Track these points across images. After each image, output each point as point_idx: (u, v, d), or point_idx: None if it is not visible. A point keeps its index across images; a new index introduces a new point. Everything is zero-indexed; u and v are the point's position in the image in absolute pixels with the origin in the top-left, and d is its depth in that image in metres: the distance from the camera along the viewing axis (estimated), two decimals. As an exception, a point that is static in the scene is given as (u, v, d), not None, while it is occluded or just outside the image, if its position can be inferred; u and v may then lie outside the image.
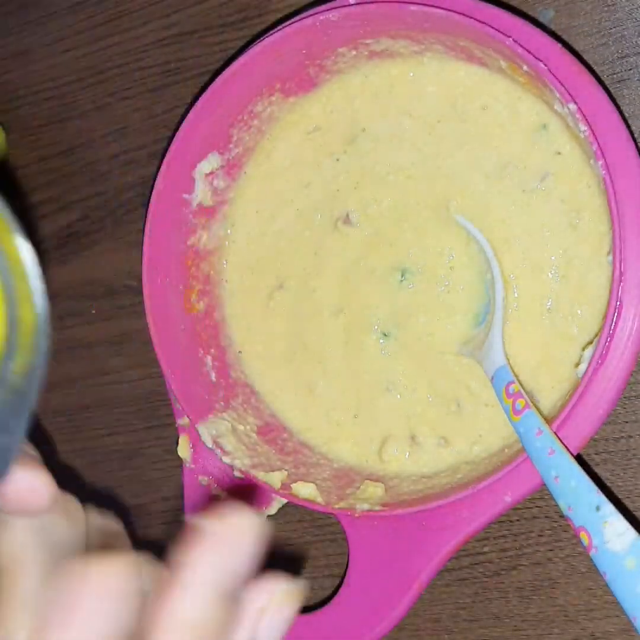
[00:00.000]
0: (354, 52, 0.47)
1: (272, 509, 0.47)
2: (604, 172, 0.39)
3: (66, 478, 0.30)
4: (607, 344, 0.40)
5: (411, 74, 0.47)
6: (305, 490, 0.45)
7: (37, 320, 0.21)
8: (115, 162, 0.56)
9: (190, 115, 0.47)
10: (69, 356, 0.57)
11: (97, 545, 0.28)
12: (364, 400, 0.48)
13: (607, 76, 0.45)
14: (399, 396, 0.47)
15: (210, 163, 0.48)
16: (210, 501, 0.48)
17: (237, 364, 0.50)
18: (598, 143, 0.40)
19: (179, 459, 0.49)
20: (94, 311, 0.56)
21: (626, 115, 0.44)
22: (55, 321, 0.57)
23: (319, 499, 0.45)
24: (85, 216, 0.57)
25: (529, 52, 0.41)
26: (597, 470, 0.45)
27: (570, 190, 0.44)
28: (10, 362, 0.22)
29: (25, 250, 0.21)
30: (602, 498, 0.36)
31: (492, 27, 0.41)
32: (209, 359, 0.49)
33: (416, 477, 0.46)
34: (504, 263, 0.45)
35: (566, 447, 0.39)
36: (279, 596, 0.26)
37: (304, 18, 0.45)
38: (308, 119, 0.49)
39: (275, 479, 0.46)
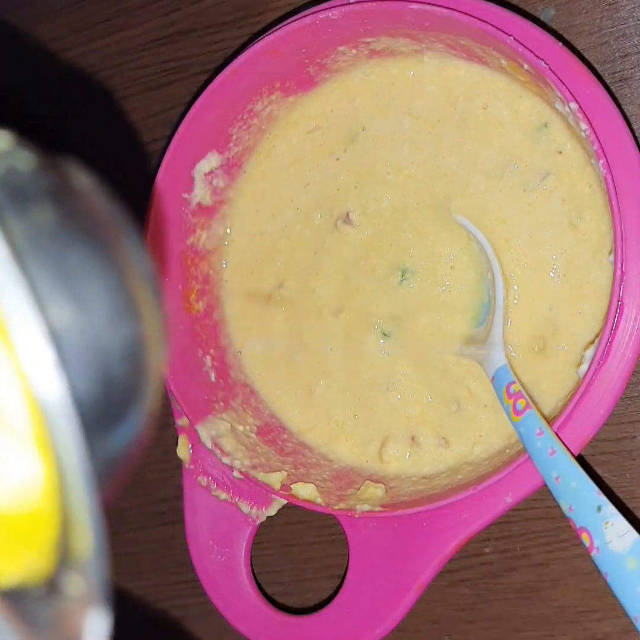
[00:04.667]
0: (354, 51, 0.47)
1: (272, 510, 0.47)
2: (605, 171, 0.39)
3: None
4: (608, 344, 0.39)
5: (411, 73, 0.47)
6: (305, 491, 0.45)
7: (90, 544, 0.16)
8: (114, 162, 0.56)
9: (190, 114, 0.47)
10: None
11: None
12: (364, 401, 0.48)
13: (608, 75, 0.45)
14: (399, 396, 0.47)
15: (210, 162, 0.48)
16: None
17: (237, 364, 0.50)
18: (599, 142, 0.40)
19: (178, 459, 0.49)
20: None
21: (627, 114, 0.44)
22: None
23: (319, 500, 0.45)
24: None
25: (530, 50, 0.41)
26: (598, 470, 0.45)
27: (571, 189, 0.44)
28: (67, 574, 0.17)
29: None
30: (603, 498, 0.36)
31: (493, 26, 0.41)
32: (208, 359, 0.49)
33: (416, 478, 0.46)
34: (504, 263, 0.45)
35: (567, 447, 0.39)
36: None
37: (304, 17, 0.45)
38: (308, 118, 0.49)
39: (274, 479, 0.46)
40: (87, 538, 0.15)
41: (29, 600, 0.18)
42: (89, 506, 0.15)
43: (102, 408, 0.15)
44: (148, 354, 0.16)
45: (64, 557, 0.16)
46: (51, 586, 0.17)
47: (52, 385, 0.14)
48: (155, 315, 0.16)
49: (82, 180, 0.17)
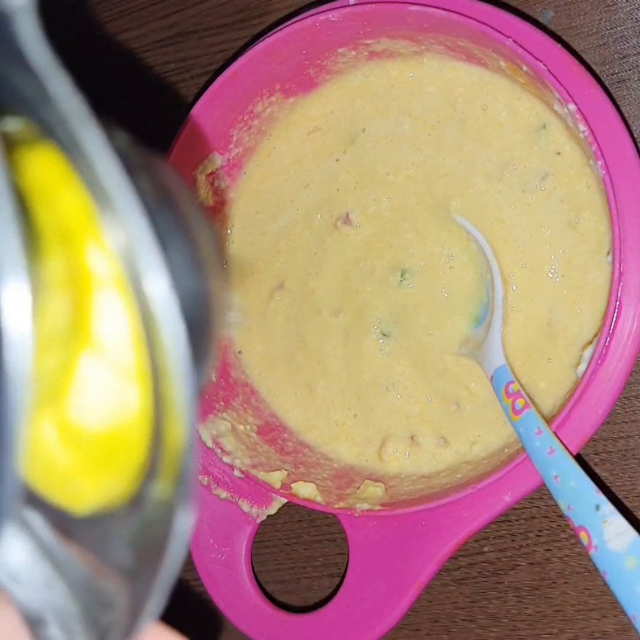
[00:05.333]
0: (353, 53, 0.47)
1: (272, 509, 0.47)
2: (603, 172, 0.40)
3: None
4: (606, 344, 0.40)
5: (411, 74, 0.47)
6: (305, 490, 0.45)
7: (182, 450, 0.17)
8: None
9: (191, 115, 0.47)
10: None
11: None
12: (363, 400, 0.48)
13: (607, 76, 0.45)
14: (398, 396, 0.47)
15: (211, 163, 0.49)
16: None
17: (237, 364, 0.50)
18: (597, 143, 0.40)
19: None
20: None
21: (626, 115, 0.44)
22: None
23: (319, 499, 0.45)
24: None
25: (529, 52, 0.41)
26: (596, 470, 0.45)
27: (570, 190, 0.44)
28: (152, 485, 0.18)
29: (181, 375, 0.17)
30: (602, 497, 0.37)
31: (492, 28, 0.41)
32: (208, 358, 0.49)
33: (416, 477, 0.46)
34: (503, 263, 0.45)
35: (566, 446, 0.39)
36: None
37: (304, 18, 0.45)
38: (308, 119, 0.49)
39: (275, 478, 0.46)
40: (180, 442, 0.17)
41: (112, 520, 0.19)
42: (188, 411, 0.17)
43: (191, 344, 0.17)
44: (218, 306, 0.19)
45: (152, 469, 0.18)
46: (135, 502, 0.18)
47: (166, 314, 0.16)
48: (221, 275, 0.19)
49: (158, 159, 0.20)
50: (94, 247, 0.17)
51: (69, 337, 0.17)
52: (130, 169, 0.17)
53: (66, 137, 0.16)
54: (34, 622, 0.20)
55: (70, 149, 0.16)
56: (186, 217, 0.19)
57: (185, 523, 0.17)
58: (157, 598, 0.18)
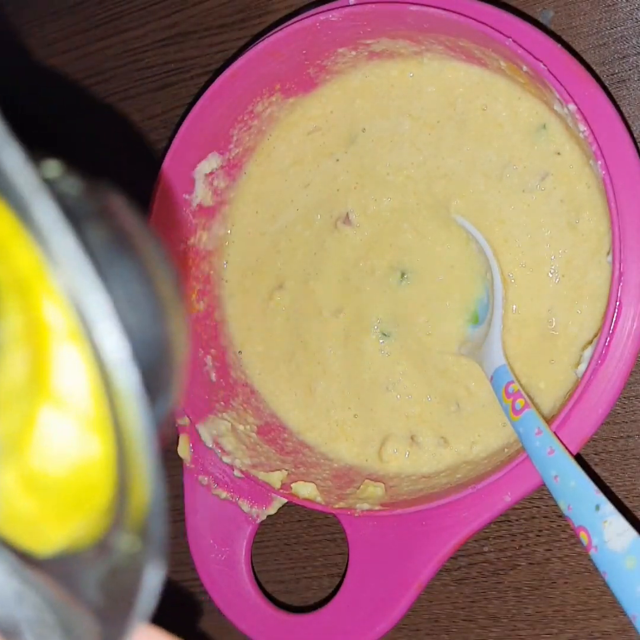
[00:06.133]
0: (353, 53, 0.47)
1: (272, 509, 0.47)
2: (603, 172, 0.40)
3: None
4: (606, 344, 0.40)
5: (411, 75, 0.47)
6: (305, 490, 0.45)
7: (149, 506, 0.17)
8: (116, 163, 0.56)
9: (190, 115, 0.47)
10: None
11: None
12: (363, 400, 0.48)
13: (607, 76, 0.45)
14: (398, 396, 0.47)
15: (211, 163, 0.49)
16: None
17: (237, 364, 0.50)
18: (597, 143, 0.40)
19: (179, 458, 0.49)
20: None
21: (626, 115, 0.44)
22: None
23: (319, 499, 0.45)
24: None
25: (529, 52, 0.41)
26: (596, 470, 0.45)
27: (570, 190, 0.44)
28: (117, 536, 0.18)
29: (141, 422, 0.17)
30: (602, 497, 0.37)
31: (492, 28, 0.41)
32: (209, 359, 0.49)
33: (416, 477, 0.46)
34: (503, 263, 0.45)
35: (566, 446, 0.39)
36: None
37: (304, 18, 0.45)
38: (308, 119, 0.49)
39: (275, 478, 0.46)
40: (146, 497, 0.17)
41: (79, 562, 0.19)
42: (151, 467, 0.17)
43: (148, 390, 0.17)
44: (177, 345, 0.19)
45: (118, 519, 0.18)
46: (102, 547, 0.19)
47: (122, 369, 0.16)
48: (180, 314, 0.19)
49: (117, 200, 0.19)
50: (49, 300, 0.17)
51: (29, 391, 0.18)
52: (81, 216, 0.17)
53: (13, 198, 0.16)
54: (8, 633, 0.20)
55: (17, 207, 0.16)
56: (143, 258, 0.19)
57: (153, 579, 0.17)
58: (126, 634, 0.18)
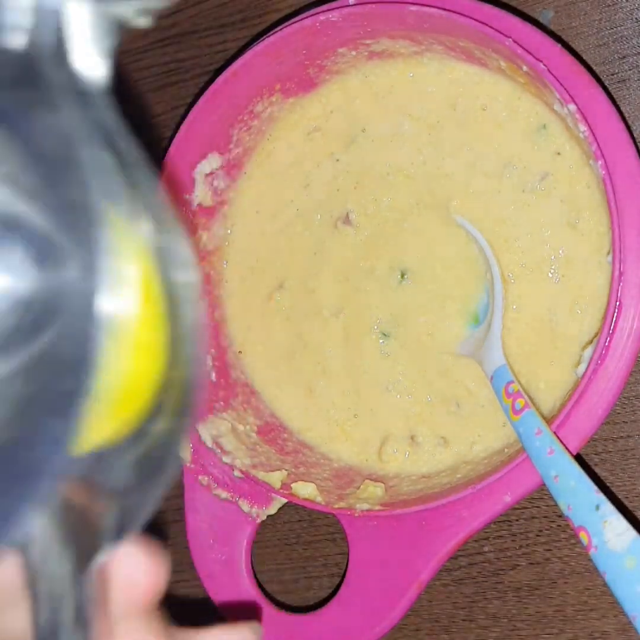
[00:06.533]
0: (353, 53, 0.47)
1: (272, 509, 0.47)
2: (603, 172, 0.40)
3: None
4: (606, 344, 0.40)
5: (411, 75, 0.47)
6: (305, 490, 0.45)
7: (188, 386, 0.20)
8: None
9: (190, 115, 0.47)
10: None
11: None
12: (364, 400, 0.48)
13: (607, 76, 0.45)
14: (398, 396, 0.47)
15: (211, 163, 0.49)
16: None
17: (237, 364, 0.50)
18: (597, 143, 0.40)
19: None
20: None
21: (625, 115, 0.44)
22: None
23: (319, 499, 0.45)
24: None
25: (529, 52, 0.41)
26: (596, 470, 0.45)
27: (570, 190, 0.44)
28: (156, 421, 0.20)
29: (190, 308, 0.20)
30: (602, 497, 0.37)
31: (492, 28, 0.41)
32: (209, 358, 0.49)
33: (416, 477, 0.46)
34: (503, 263, 0.45)
35: (566, 446, 0.39)
36: None
37: (304, 18, 0.45)
38: (308, 119, 0.49)
39: (275, 478, 0.46)
40: (187, 380, 0.20)
41: (115, 451, 0.21)
42: (196, 349, 0.20)
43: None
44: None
45: (159, 407, 0.20)
46: (138, 435, 0.20)
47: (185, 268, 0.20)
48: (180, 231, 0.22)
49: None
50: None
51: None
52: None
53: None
54: (22, 548, 0.21)
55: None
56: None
57: (180, 450, 0.21)
58: (153, 503, 0.21)
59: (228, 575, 0.48)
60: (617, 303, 0.39)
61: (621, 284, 0.40)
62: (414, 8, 0.43)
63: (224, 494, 0.48)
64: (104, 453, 0.21)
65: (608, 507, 0.36)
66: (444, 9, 0.42)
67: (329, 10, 0.44)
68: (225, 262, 0.51)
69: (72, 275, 0.18)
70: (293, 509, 0.49)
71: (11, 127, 0.18)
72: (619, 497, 0.45)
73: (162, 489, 0.21)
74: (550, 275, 0.44)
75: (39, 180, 0.18)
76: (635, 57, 0.45)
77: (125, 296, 0.18)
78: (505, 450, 0.44)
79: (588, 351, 0.42)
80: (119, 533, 0.21)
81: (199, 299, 0.21)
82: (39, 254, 0.18)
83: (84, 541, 0.21)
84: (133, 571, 0.24)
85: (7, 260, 0.18)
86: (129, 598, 0.24)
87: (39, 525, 0.21)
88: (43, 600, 0.21)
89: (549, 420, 0.40)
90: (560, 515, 0.40)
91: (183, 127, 0.47)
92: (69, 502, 0.21)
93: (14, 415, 0.18)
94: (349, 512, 0.44)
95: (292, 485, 0.46)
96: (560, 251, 0.44)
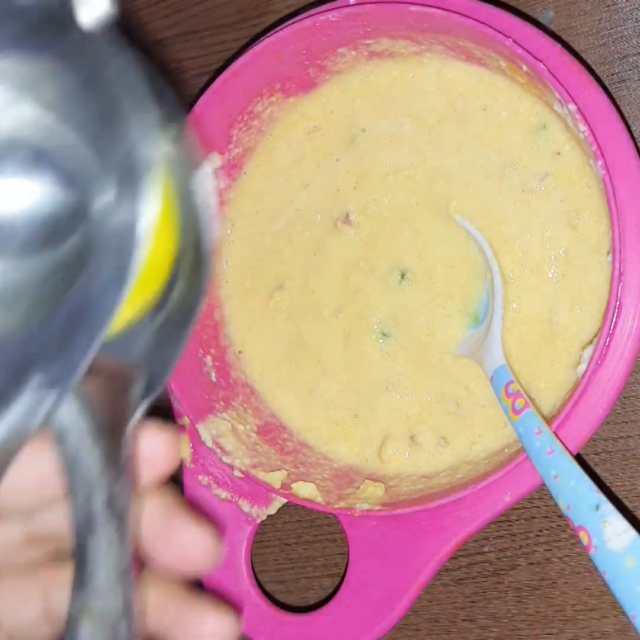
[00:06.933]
0: (353, 53, 0.47)
1: (272, 509, 0.47)
2: (603, 172, 0.40)
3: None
4: (606, 344, 0.40)
5: (411, 75, 0.47)
6: (305, 490, 0.45)
7: (203, 250, 0.23)
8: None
9: (190, 115, 0.47)
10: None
11: None
12: (363, 400, 0.48)
13: (607, 76, 0.45)
14: (398, 396, 0.47)
15: (210, 163, 0.49)
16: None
17: (237, 364, 0.50)
18: (597, 143, 0.40)
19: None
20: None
21: (626, 115, 0.44)
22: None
23: (319, 499, 0.45)
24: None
25: (529, 52, 0.41)
26: (596, 470, 0.45)
27: (570, 190, 0.44)
28: (175, 288, 0.23)
29: (202, 179, 0.23)
30: (602, 497, 0.37)
31: (492, 28, 0.41)
32: (209, 359, 0.49)
33: (416, 477, 0.46)
34: (503, 263, 0.45)
35: (566, 446, 0.39)
36: None
37: (304, 18, 0.45)
38: (308, 119, 0.49)
39: (275, 478, 0.46)
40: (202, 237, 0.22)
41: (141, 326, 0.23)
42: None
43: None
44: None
45: (176, 275, 0.23)
46: (157, 308, 0.23)
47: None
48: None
49: None
50: None
51: None
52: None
53: None
54: (58, 437, 0.23)
55: None
56: None
57: (200, 307, 0.23)
58: (177, 359, 0.24)
59: (228, 576, 0.48)
60: (617, 303, 0.40)
61: (621, 284, 0.40)
62: (414, 8, 0.43)
63: (224, 494, 0.48)
64: (131, 330, 0.23)
65: (608, 507, 0.36)
66: (444, 9, 0.42)
67: (328, 10, 0.44)
68: (225, 262, 0.51)
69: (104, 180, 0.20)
70: (293, 509, 0.49)
71: (51, 59, 0.21)
72: (619, 497, 0.45)
73: (184, 345, 0.23)
74: (550, 275, 0.44)
75: (75, 103, 0.21)
76: (635, 57, 0.45)
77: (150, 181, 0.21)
78: (505, 450, 0.44)
79: (588, 351, 0.42)
80: (146, 395, 0.24)
81: (208, 174, 0.24)
82: (69, 171, 0.21)
83: (114, 431, 0.23)
84: (152, 446, 0.25)
85: (40, 179, 0.21)
86: (149, 473, 0.25)
87: (72, 418, 0.23)
88: (78, 492, 0.23)
89: (549, 420, 0.40)
90: (560, 515, 0.40)
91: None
92: (99, 393, 0.23)
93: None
94: (349, 512, 0.44)
95: (292, 485, 0.46)
96: (560, 251, 0.44)
